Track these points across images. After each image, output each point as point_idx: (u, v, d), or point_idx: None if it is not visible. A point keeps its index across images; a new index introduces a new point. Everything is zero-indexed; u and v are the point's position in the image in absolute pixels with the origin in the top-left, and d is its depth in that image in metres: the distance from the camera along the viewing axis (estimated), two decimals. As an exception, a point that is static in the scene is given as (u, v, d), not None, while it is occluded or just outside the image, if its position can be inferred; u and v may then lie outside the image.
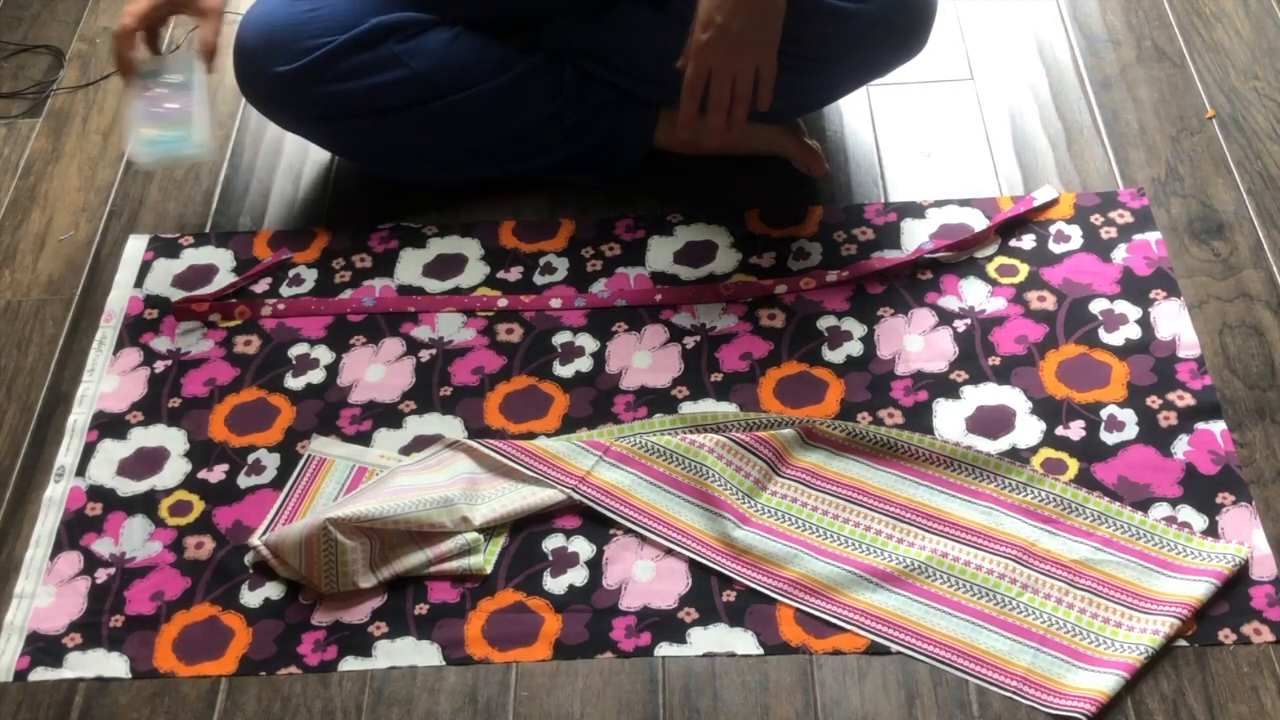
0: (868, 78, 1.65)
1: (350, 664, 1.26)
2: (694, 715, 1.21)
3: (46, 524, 1.38)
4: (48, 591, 1.32)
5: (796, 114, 1.67)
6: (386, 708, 1.23)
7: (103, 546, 1.35)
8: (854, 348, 1.48)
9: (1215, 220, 1.58)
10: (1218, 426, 1.37)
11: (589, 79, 1.62)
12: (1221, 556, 1.26)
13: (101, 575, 1.33)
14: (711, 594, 1.29)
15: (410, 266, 1.60)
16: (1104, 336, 1.47)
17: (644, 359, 1.48)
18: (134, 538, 1.36)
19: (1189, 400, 1.40)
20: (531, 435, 1.42)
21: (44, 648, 1.29)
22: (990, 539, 1.30)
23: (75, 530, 1.37)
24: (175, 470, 1.42)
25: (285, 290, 1.59)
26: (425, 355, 1.51)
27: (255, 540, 1.33)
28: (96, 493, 1.40)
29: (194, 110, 1.51)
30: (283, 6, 1.57)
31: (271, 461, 1.42)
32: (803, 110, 1.68)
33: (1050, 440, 1.38)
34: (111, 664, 1.27)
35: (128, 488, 1.40)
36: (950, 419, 1.40)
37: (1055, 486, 1.33)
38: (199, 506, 1.38)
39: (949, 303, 1.51)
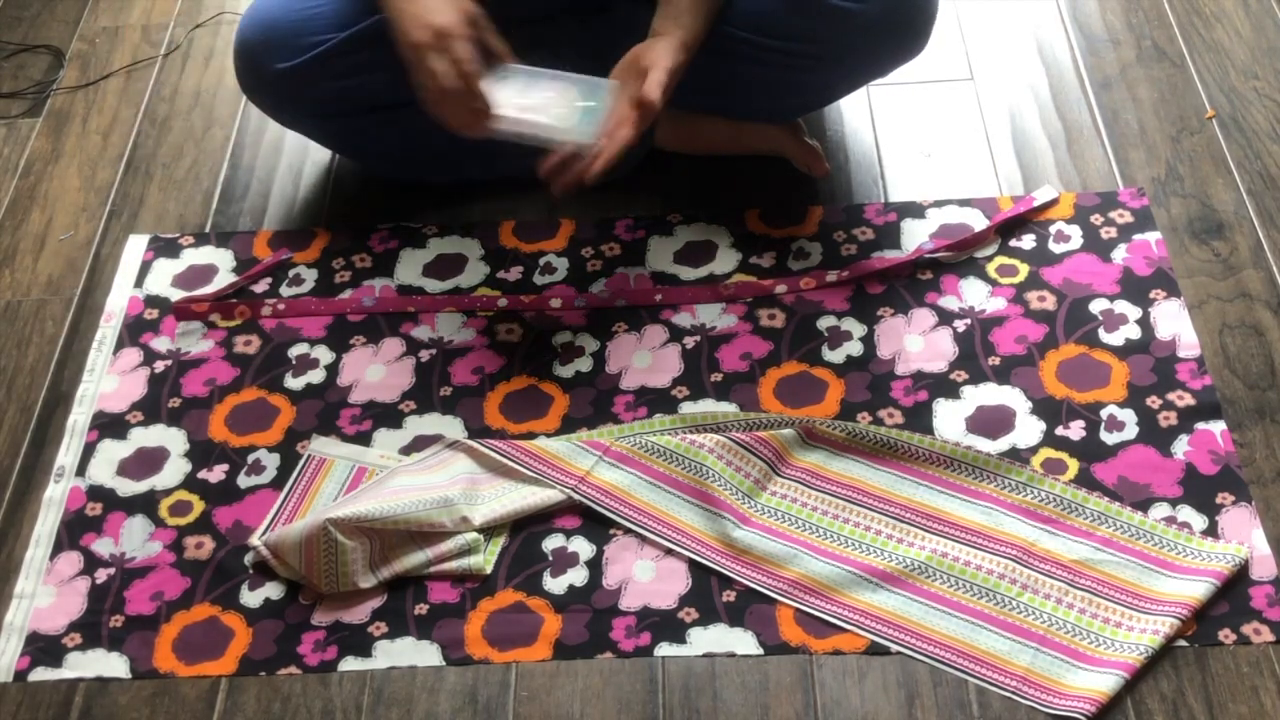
0: (868, 78, 1.65)
1: (350, 664, 1.26)
2: (694, 715, 1.21)
3: (46, 524, 1.38)
4: (48, 591, 1.32)
5: (797, 114, 1.67)
6: (386, 708, 1.23)
7: (103, 546, 1.35)
8: (854, 348, 1.48)
9: (1215, 220, 1.58)
10: (1217, 426, 1.37)
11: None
12: (1221, 556, 1.26)
13: (101, 575, 1.33)
14: (711, 594, 1.29)
15: (410, 266, 1.60)
16: (1104, 336, 1.47)
17: (644, 359, 1.48)
18: (134, 538, 1.36)
19: (1189, 400, 1.40)
20: (531, 435, 1.42)
21: (44, 648, 1.29)
22: (990, 539, 1.30)
23: (75, 530, 1.37)
24: (175, 470, 1.42)
25: (285, 290, 1.59)
26: (425, 355, 1.51)
27: (255, 540, 1.33)
28: (96, 493, 1.40)
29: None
30: (283, 4, 1.56)
31: (271, 461, 1.42)
32: (803, 110, 1.68)
33: (1050, 440, 1.38)
34: (111, 664, 1.27)
35: (128, 488, 1.40)
36: (950, 419, 1.40)
37: (1055, 486, 1.33)
38: (199, 506, 1.38)
39: (949, 303, 1.51)
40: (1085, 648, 1.22)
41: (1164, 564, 1.27)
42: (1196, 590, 1.23)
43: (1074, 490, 1.32)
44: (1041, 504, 1.32)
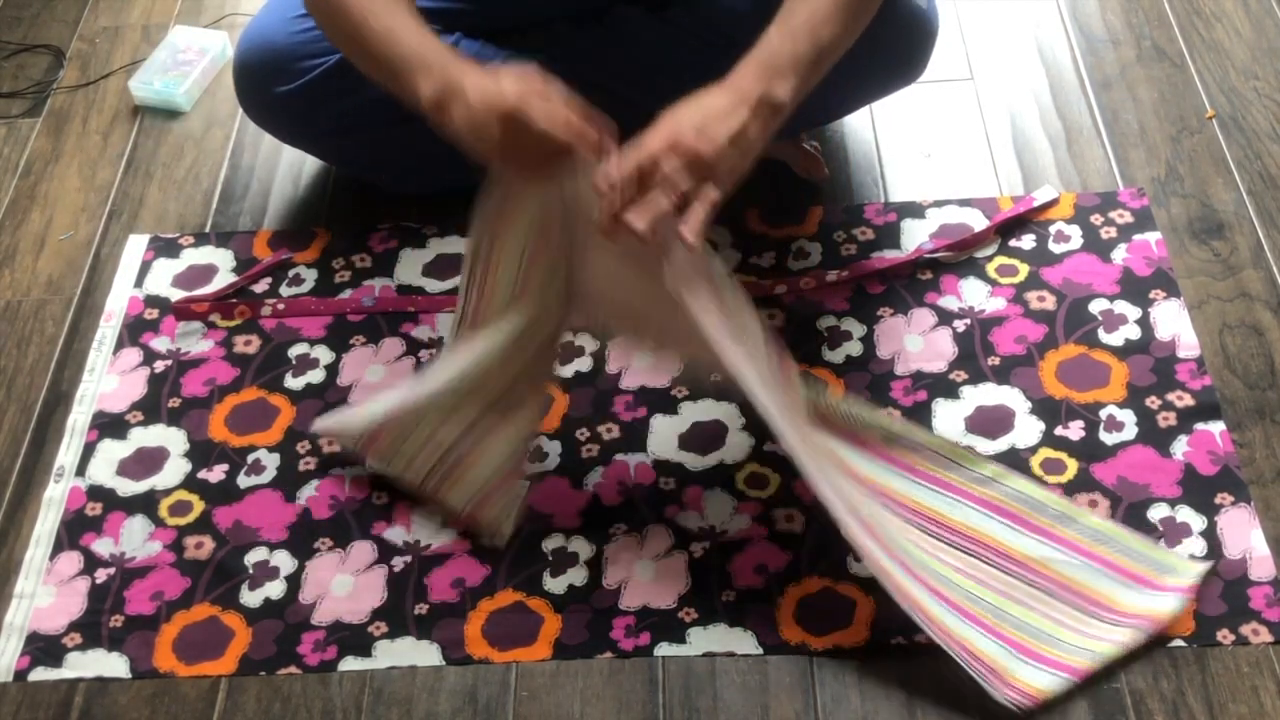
0: (866, 99, 1.65)
1: (350, 664, 1.26)
2: (694, 715, 1.21)
3: (46, 524, 1.38)
4: (48, 591, 1.33)
5: (794, 132, 1.67)
6: (386, 708, 1.23)
7: (102, 546, 1.36)
8: (854, 348, 1.48)
9: (1215, 220, 1.58)
10: (1217, 427, 1.37)
11: (587, 85, 1.61)
12: (1185, 572, 1.25)
13: (101, 575, 1.33)
14: (711, 594, 1.29)
15: (410, 266, 1.60)
16: (1103, 337, 1.47)
17: (644, 359, 1.48)
18: (134, 538, 1.36)
19: (1188, 401, 1.40)
20: (532, 434, 1.41)
21: (44, 648, 1.29)
22: (953, 531, 1.29)
23: (75, 530, 1.37)
24: (175, 470, 1.42)
25: (285, 290, 1.58)
26: (425, 355, 1.51)
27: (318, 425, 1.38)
28: (96, 493, 1.40)
29: None
30: (281, 25, 1.56)
31: (271, 461, 1.42)
32: (800, 127, 1.68)
33: (1049, 440, 1.38)
34: (111, 664, 1.27)
35: (128, 488, 1.40)
36: (949, 419, 1.40)
37: (1019, 484, 1.32)
38: (199, 506, 1.38)
39: (949, 303, 1.51)
40: (1033, 644, 1.21)
41: (1130, 575, 1.26)
42: (1163, 606, 1.23)
43: (1035, 487, 1.32)
44: (1006, 500, 1.31)
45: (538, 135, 1.17)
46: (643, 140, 1.17)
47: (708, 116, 1.19)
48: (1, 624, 1.31)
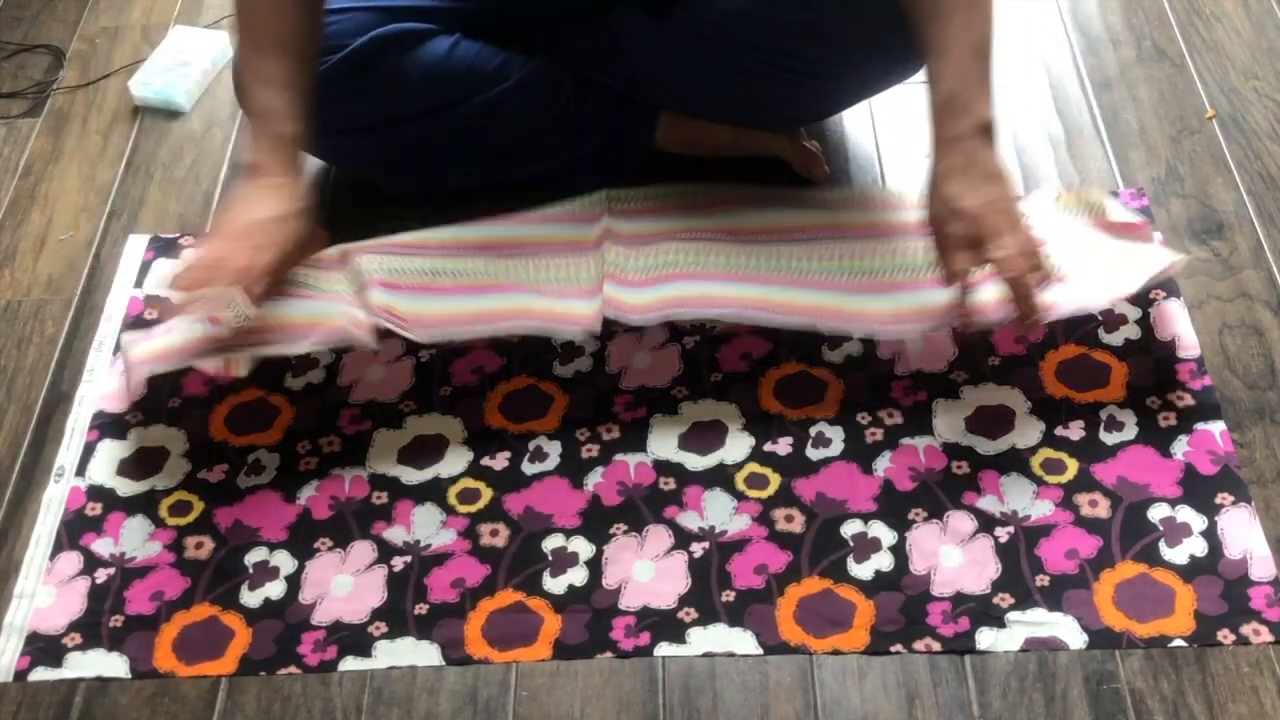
0: (867, 94, 1.65)
1: (350, 664, 1.26)
2: (694, 715, 1.21)
3: (46, 524, 1.38)
4: (48, 592, 1.33)
5: (794, 126, 1.67)
6: (386, 708, 1.23)
7: (102, 546, 1.36)
8: (853, 347, 1.48)
9: (1215, 220, 1.58)
10: (1217, 427, 1.37)
11: (588, 85, 1.62)
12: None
13: (101, 575, 1.33)
14: (711, 594, 1.29)
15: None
16: (1103, 336, 1.47)
17: (644, 359, 1.48)
18: (134, 538, 1.36)
19: (1188, 401, 1.40)
20: (532, 435, 1.42)
21: (44, 648, 1.29)
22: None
23: (75, 530, 1.37)
24: (175, 470, 1.42)
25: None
26: (425, 355, 1.51)
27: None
28: (96, 493, 1.40)
29: None
30: None
31: (271, 461, 1.42)
32: (801, 123, 1.68)
33: (1050, 440, 1.38)
34: (111, 664, 1.27)
35: (127, 488, 1.40)
36: (950, 419, 1.40)
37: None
38: (199, 506, 1.38)
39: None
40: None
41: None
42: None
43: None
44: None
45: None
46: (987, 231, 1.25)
47: (998, 200, 1.27)
48: (1, 624, 1.31)
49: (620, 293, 1.46)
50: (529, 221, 1.57)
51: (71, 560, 1.35)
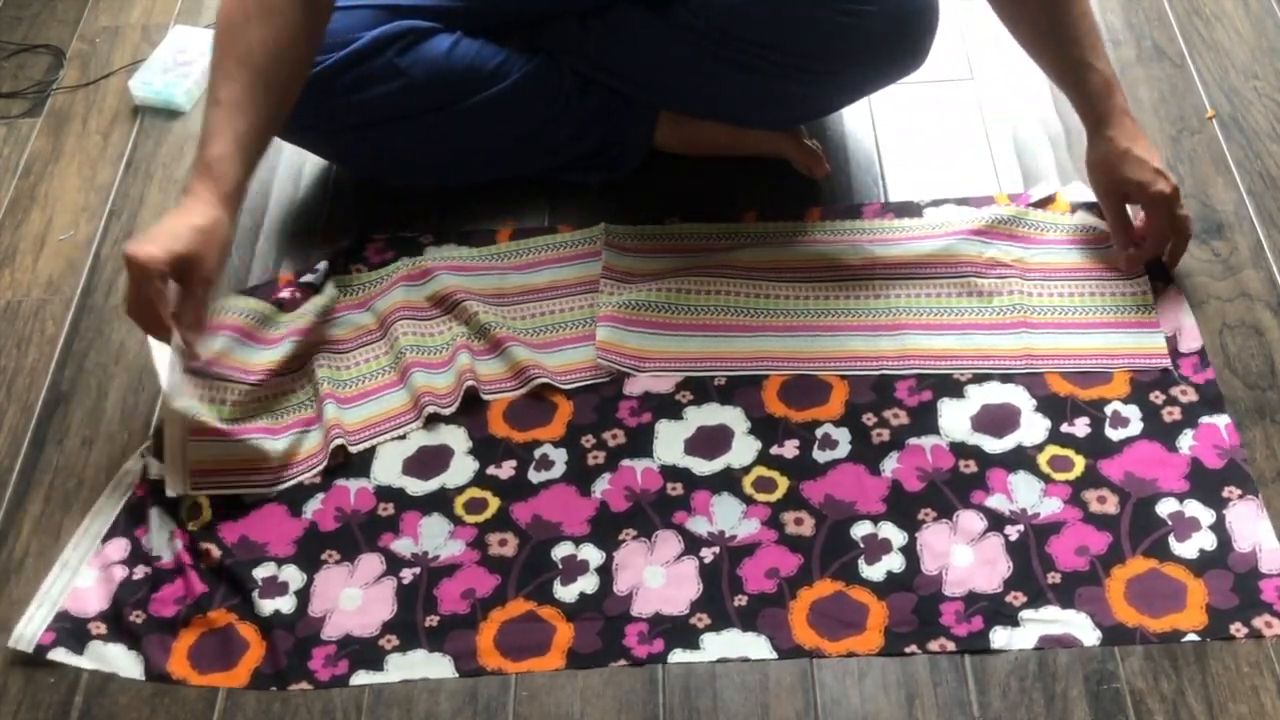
0: (867, 90, 1.65)
1: (362, 678, 1.25)
2: (694, 715, 1.21)
3: (115, 499, 1.37)
4: (89, 574, 1.32)
5: (795, 124, 1.67)
6: (386, 708, 1.23)
7: (147, 541, 1.34)
8: (854, 348, 1.48)
9: (1215, 220, 1.58)
10: (1222, 420, 1.37)
11: (588, 83, 1.62)
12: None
13: (139, 571, 1.32)
14: (723, 599, 1.28)
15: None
16: (1104, 336, 1.47)
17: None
18: (159, 540, 1.34)
19: (1192, 395, 1.40)
20: (537, 443, 1.41)
21: (70, 629, 1.28)
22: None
23: (132, 518, 1.36)
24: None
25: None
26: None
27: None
28: (152, 486, 1.38)
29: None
30: None
31: (272, 462, 1.41)
32: (801, 120, 1.68)
33: (1056, 437, 1.38)
34: (129, 662, 1.26)
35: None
36: (955, 418, 1.40)
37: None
38: (207, 514, 1.36)
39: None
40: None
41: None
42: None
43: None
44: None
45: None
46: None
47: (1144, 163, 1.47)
48: (37, 590, 1.30)
49: (619, 336, 1.49)
50: (523, 269, 1.58)
51: (119, 547, 1.34)
